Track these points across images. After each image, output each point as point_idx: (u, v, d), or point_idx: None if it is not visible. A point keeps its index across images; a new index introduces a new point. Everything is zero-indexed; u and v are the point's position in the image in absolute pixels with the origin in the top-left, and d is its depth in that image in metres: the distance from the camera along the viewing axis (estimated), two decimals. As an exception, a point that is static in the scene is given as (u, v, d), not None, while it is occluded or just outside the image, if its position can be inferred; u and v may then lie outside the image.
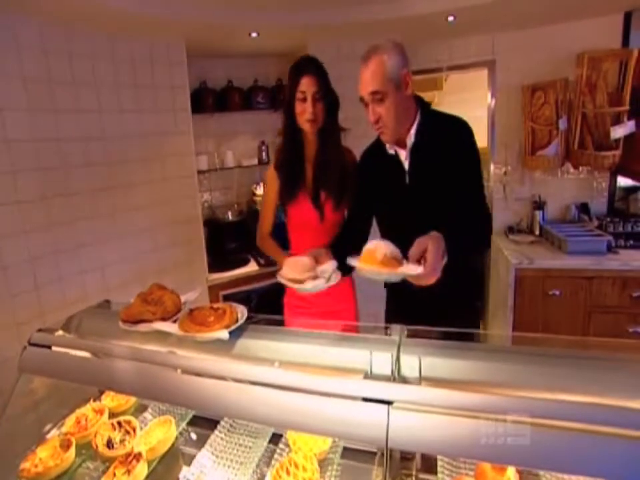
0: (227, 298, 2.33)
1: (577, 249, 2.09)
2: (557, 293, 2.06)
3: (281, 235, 1.57)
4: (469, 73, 3.09)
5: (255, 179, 2.72)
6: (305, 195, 1.38)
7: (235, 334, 0.89)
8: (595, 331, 2.03)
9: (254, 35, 2.24)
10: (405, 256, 0.98)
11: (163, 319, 0.93)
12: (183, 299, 1.02)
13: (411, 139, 1.20)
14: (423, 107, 1.24)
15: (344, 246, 1.21)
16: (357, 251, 1.21)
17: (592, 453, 0.60)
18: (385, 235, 1.34)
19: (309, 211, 1.39)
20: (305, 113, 1.27)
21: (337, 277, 1.02)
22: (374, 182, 1.29)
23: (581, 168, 2.42)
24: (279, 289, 2.51)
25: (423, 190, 1.21)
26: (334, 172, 1.37)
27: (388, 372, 0.76)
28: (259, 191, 2.50)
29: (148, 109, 2.09)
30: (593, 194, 2.47)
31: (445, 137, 1.20)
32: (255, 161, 2.67)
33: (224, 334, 0.87)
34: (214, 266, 2.43)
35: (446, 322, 1.05)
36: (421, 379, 0.75)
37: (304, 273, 1.00)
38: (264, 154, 2.68)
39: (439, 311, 1.18)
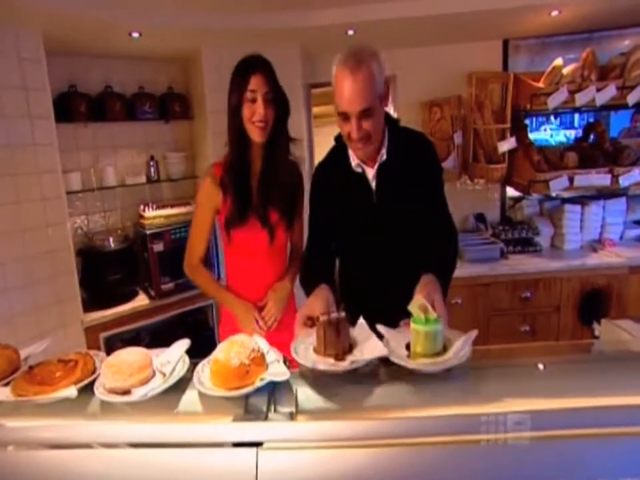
0: (109, 340, 2.15)
1: (474, 257, 2.40)
2: (459, 301, 2.32)
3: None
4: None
5: (142, 199, 2.59)
6: (254, 215, 1.31)
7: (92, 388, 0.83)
8: (493, 334, 2.33)
9: (135, 35, 2.17)
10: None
11: (-10, 383, 0.83)
12: (23, 354, 0.93)
13: (382, 156, 1.22)
14: (391, 122, 1.26)
15: (317, 280, 1.19)
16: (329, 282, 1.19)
17: (473, 469, 0.68)
18: (349, 259, 1.37)
19: (258, 232, 1.32)
20: (255, 114, 1.20)
21: (183, 368, 0.86)
22: (336, 201, 1.29)
23: (476, 180, 2.81)
24: (176, 322, 2.43)
25: (390, 209, 1.26)
26: (284, 188, 1.33)
27: (264, 409, 0.78)
28: (148, 212, 2.38)
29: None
30: (487, 204, 2.87)
31: (412, 154, 1.26)
32: (143, 179, 2.55)
33: (70, 391, 0.80)
34: (92, 303, 2.23)
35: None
36: (297, 413, 0.78)
37: (129, 378, 0.80)
38: (152, 170, 2.58)
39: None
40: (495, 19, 2.37)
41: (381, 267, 1.32)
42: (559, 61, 2.43)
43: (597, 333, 1.49)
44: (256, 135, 1.23)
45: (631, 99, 2.34)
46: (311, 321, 1.04)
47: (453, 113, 2.72)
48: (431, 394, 0.81)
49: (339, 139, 1.30)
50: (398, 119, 1.37)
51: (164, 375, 0.83)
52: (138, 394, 0.79)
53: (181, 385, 0.85)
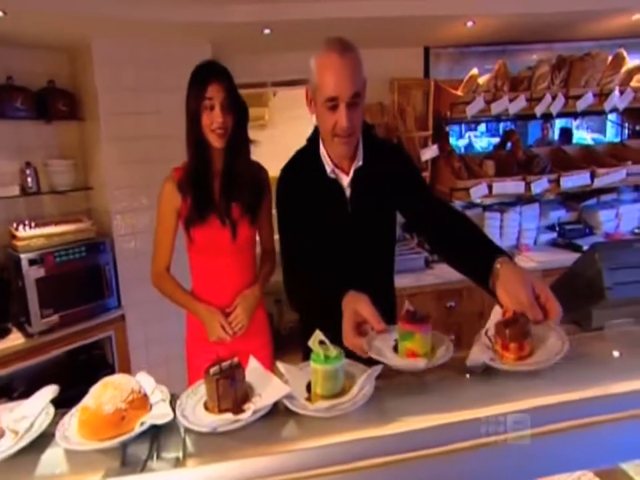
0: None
1: (400, 267, 2.49)
2: (386, 315, 2.43)
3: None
4: (296, 89, 3.47)
5: (15, 215, 2.33)
6: (215, 214, 1.44)
7: None
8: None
9: (-3, 13, 1.96)
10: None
11: None
12: None
13: (358, 161, 1.24)
14: (366, 127, 1.28)
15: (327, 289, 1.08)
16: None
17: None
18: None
19: (219, 231, 1.44)
20: (213, 123, 1.34)
21: (45, 421, 0.79)
22: (306, 211, 1.26)
23: (402, 188, 2.97)
24: (64, 363, 2.19)
25: (365, 220, 1.29)
26: (246, 185, 1.46)
27: (144, 458, 0.73)
28: (23, 232, 2.14)
29: None
30: (411, 213, 3.06)
31: (388, 164, 1.29)
32: (16, 190, 2.28)
33: None
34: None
35: None
36: (185, 458, 0.73)
37: None
38: (30, 180, 2.33)
39: None
40: (414, 25, 2.55)
41: (351, 280, 1.33)
42: (474, 71, 2.69)
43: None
44: (215, 141, 1.37)
45: (538, 110, 2.68)
46: (359, 328, 0.97)
47: (375, 120, 2.87)
48: (334, 420, 0.80)
49: (312, 140, 1.29)
50: (372, 124, 1.42)
51: (16, 433, 0.74)
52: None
53: (43, 443, 0.76)
